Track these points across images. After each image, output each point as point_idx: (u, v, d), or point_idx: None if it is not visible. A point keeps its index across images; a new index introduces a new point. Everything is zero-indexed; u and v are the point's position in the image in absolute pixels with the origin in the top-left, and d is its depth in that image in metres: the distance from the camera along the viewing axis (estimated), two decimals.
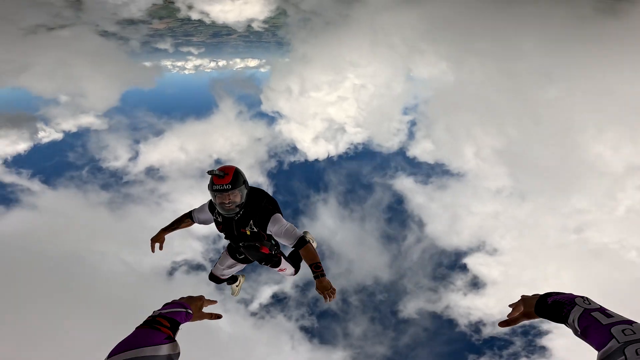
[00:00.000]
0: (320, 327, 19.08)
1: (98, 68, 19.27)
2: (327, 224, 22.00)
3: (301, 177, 25.49)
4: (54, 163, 23.06)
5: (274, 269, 3.90)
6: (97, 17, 17.50)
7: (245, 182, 3.09)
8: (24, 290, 12.32)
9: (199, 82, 32.30)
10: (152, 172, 22.88)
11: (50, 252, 13.69)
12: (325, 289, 2.84)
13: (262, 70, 35.81)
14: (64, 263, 13.58)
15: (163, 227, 3.54)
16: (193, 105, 30.51)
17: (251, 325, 18.00)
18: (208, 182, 3.00)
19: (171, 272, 18.46)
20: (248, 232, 3.24)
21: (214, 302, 1.67)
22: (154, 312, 1.40)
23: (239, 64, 34.30)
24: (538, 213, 18.36)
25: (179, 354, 1.23)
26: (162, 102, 28.36)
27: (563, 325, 1.22)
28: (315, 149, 25.25)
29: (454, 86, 17.03)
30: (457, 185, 21.96)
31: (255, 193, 3.30)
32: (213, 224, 3.52)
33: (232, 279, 4.43)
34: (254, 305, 19.23)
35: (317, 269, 3.02)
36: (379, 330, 18.83)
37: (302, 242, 3.14)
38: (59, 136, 24.33)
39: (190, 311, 1.48)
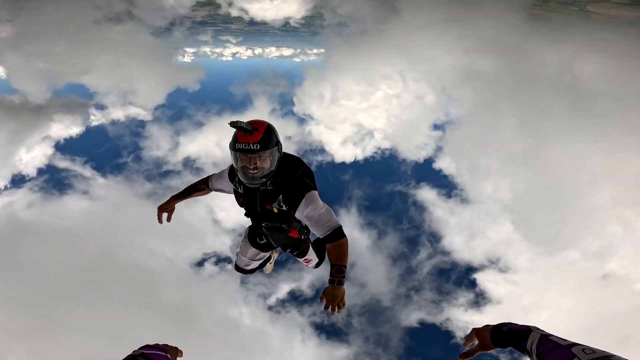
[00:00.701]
0: (328, 325, 20.37)
1: (148, 69, 20.62)
2: (346, 230, 23.10)
3: (326, 179, 25.94)
4: (104, 150, 25.15)
5: (299, 258, 3.25)
6: (147, 13, 18.62)
7: (278, 143, 2.43)
8: (78, 289, 14.21)
9: (236, 73, 33.08)
10: (189, 162, 24.59)
11: (107, 250, 15.62)
12: (335, 299, 2.32)
13: (296, 60, 36.16)
14: (120, 261, 15.60)
15: (174, 194, 3.05)
16: (230, 99, 31.68)
17: (268, 319, 19.85)
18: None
19: (201, 262, 20.23)
20: (275, 210, 2.57)
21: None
22: (134, 351, 1.40)
23: (274, 52, 34.87)
24: (557, 240, 18.50)
25: None
26: (202, 96, 29.62)
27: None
28: (343, 152, 25.59)
29: (480, 124, 17.23)
30: (477, 205, 22.14)
31: (290, 160, 2.59)
32: (233, 196, 2.82)
33: (263, 263, 3.65)
34: (272, 300, 20.88)
35: (339, 274, 2.38)
36: (379, 334, 20.26)
37: (337, 234, 2.48)
38: (108, 123, 26.24)
39: (169, 357, 1.49)
